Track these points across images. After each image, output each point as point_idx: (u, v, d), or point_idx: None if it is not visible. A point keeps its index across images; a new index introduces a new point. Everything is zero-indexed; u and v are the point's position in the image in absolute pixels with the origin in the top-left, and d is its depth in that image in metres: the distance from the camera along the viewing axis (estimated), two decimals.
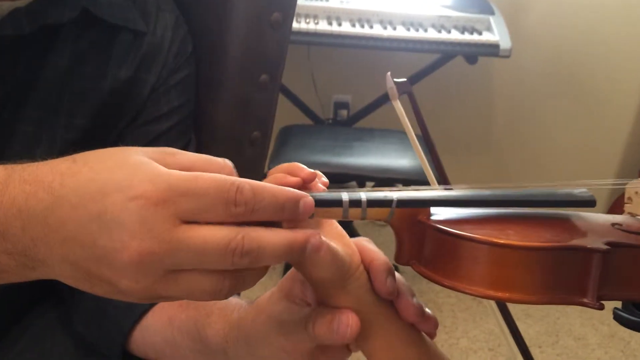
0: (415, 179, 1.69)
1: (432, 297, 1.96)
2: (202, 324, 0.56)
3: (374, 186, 1.87)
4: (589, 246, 0.37)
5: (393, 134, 1.93)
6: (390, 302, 0.46)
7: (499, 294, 0.37)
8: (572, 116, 2.29)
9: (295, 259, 0.40)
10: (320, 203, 0.40)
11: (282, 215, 0.37)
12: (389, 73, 0.52)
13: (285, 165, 0.45)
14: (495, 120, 2.40)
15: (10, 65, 0.60)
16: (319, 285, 0.46)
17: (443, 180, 0.60)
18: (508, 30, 1.89)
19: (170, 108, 0.71)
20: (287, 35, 0.75)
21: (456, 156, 2.32)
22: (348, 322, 0.45)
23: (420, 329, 0.47)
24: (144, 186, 0.34)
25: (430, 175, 0.58)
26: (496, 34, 1.87)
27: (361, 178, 1.75)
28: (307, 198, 0.38)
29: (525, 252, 0.37)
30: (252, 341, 0.51)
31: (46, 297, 0.75)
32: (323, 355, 0.49)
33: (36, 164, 0.38)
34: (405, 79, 0.55)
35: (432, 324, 0.47)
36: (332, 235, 0.45)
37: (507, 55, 1.85)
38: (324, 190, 0.44)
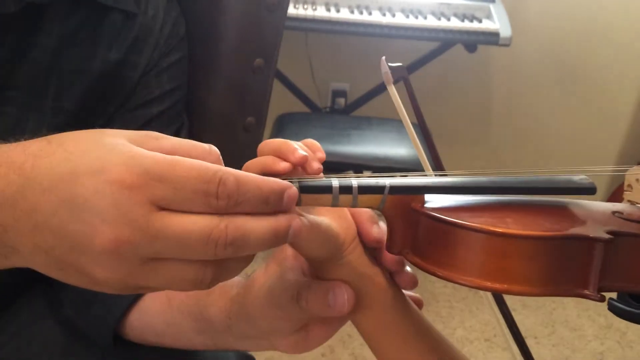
0: (413, 168, 1.67)
1: (428, 287, 1.95)
2: (204, 303, 0.54)
3: (369, 175, 1.86)
4: (591, 235, 0.36)
5: (391, 122, 1.91)
6: (385, 271, 0.46)
7: (497, 286, 0.36)
8: (571, 106, 2.28)
9: (281, 244, 0.38)
10: (308, 189, 0.38)
11: (266, 209, 0.35)
12: (383, 57, 0.51)
13: (276, 143, 0.42)
14: (494, 109, 2.38)
15: None
16: (311, 262, 0.46)
17: (438, 167, 0.58)
18: (508, 19, 1.87)
19: (161, 92, 0.69)
20: (283, 17, 0.74)
21: (453, 146, 2.31)
22: (343, 295, 0.44)
23: (397, 281, 0.47)
24: (117, 169, 0.32)
25: (426, 163, 0.57)
26: (496, 22, 1.85)
27: (358, 167, 1.73)
28: (291, 189, 0.36)
29: (526, 242, 0.35)
30: (251, 315, 0.50)
31: (35, 281, 0.74)
32: (319, 325, 0.48)
33: (8, 145, 0.36)
34: (400, 64, 0.53)
35: (409, 278, 0.47)
36: (327, 209, 0.44)
37: (507, 44, 1.83)
38: (319, 169, 0.42)
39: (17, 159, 0.34)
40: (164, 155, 0.34)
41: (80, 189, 0.32)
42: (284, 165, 0.41)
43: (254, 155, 0.43)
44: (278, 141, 0.42)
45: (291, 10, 1.77)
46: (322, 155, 0.44)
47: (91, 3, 0.62)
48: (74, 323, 0.66)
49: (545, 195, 0.43)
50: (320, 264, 0.46)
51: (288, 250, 0.48)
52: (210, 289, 0.36)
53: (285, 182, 0.36)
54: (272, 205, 0.35)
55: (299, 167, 0.42)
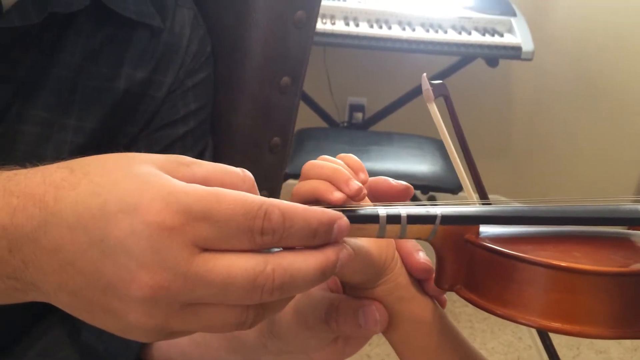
0: (435, 186, 1.64)
1: (449, 306, 1.89)
2: None
3: None
4: None
5: (411, 138, 1.88)
6: (420, 287, 0.44)
7: (566, 327, 0.32)
8: (594, 121, 2.23)
9: (328, 279, 0.35)
10: (353, 219, 0.35)
11: (313, 242, 0.33)
12: (424, 74, 0.48)
13: (328, 169, 0.39)
14: (515, 125, 2.35)
15: (19, 61, 0.56)
16: (346, 285, 0.44)
17: (480, 190, 0.55)
18: (530, 33, 1.84)
19: (187, 112, 0.67)
20: (310, 35, 0.71)
21: (475, 160, 2.27)
22: (375, 315, 0.42)
23: (425, 288, 0.44)
24: (155, 206, 0.29)
25: (467, 185, 0.54)
26: (518, 36, 1.82)
27: None
28: (342, 221, 0.33)
29: (599, 279, 0.32)
30: (282, 335, 0.48)
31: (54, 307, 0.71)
32: (346, 342, 0.47)
33: (25, 171, 0.33)
34: (441, 81, 0.50)
35: (442, 303, 0.46)
36: None
37: (529, 58, 1.80)
38: (364, 195, 0.39)
39: (36, 190, 0.31)
40: (204, 188, 0.31)
41: (113, 229, 0.29)
42: (338, 196, 0.38)
43: (280, 177, 0.41)
44: (329, 167, 0.39)
45: None
46: (365, 177, 0.42)
47: (116, 18, 0.60)
48: (94, 348, 0.63)
49: (608, 227, 0.40)
50: (355, 288, 0.44)
51: None
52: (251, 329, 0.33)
53: (335, 213, 0.33)
54: (319, 238, 0.33)
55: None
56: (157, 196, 0.29)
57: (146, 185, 0.30)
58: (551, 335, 1.87)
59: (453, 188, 1.66)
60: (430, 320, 0.43)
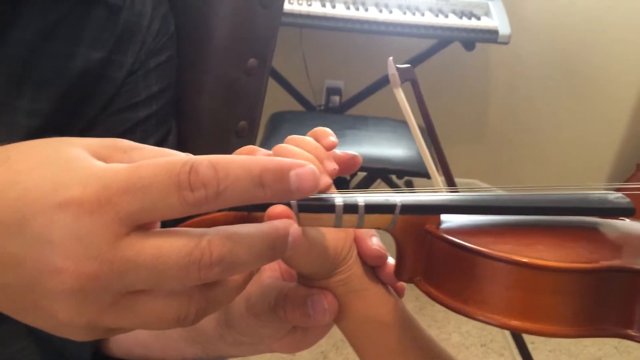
0: (410, 170, 1.63)
1: None
2: None
3: (365, 177, 1.81)
4: (635, 267, 0.31)
5: (387, 122, 1.86)
6: (375, 276, 0.43)
7: (527, 325, 0.31)
8: (570, 104, 2.24)
9: (277, 258, 0.31)
10: (307, 208, 0.33)
11: (264, 194, 0.28)
12: (390, 58, 0.46)
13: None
14: (491, 109, 2.35)
15: None
16: (302, 274, 0.42)
17: (447, 176, 0.54)
18: (507, 17, 1.83)
19: (148, 94, 0.64)
20: (278, 14, 0.69)
21: (450, 145, 2.27)
22: (323, 304, 0.40)
23: (379, 275, 0.43)
24: (72, 190, 0.26)
25: (433, 169, 0.52)
26: (495, 19, 1.81)
27: None
28: (305, 169, 0.29)
29: (562, 275, 0.30)
30: (232, 324, 0.46)
31: None
32: (305, 332, 0.45)
33: None
34: (409, 65, 0.48)
35: (400, 291, 0.44)
36: None
37: (505, 41, 1.79)
38: (334, 171, 0.37)
39: None
40: (125, 164, 0.28)
41: (32, 220, 0.26)
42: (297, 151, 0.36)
43: None
44: (302, 155, 0.37)
45: (285, 6, 1.72)
46: (333, 140, 0.39)
47: None
48: (50, 340, 0.61)
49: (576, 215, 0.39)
50: (308, 278, 0.42)
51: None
52: (195, 324, 0.31)
53: (291, 161, 0.29)
54: (271, 189, 0.28)
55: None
56: (74, 180, 0.27)
57: (66, 169, 0.27)
58: None
59: (429, 173, 1.65)
60: (383, 311, 0.42)
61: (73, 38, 0.59)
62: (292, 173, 0.28)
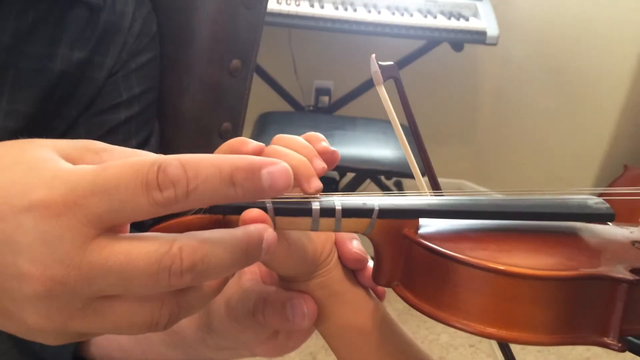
0: (399, 171, 1.63)
1: None
2: None
3: (354, 178, 1.81)
4: (613, 275, 0.31)
5: (376, 123, 1.86)
6: (355, 280, 0.42)
7: (502, 333, 0.30)
8: (557, 106, 2.25)
9: (252, 264, 0.30)
10: (283, 212, 0.33)
11: (235, 193, 0.27)
12: (373, 55, 0.46)
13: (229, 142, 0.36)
14: (480, 110, 2.35)
15: None
16: (282, 276, 0.41)
17: (430, 175, 0.53)
18: (495, 18, 1.83)
19: (130, 95, 0.63)
20: (261, 15, 0.68)
21: (438, 146, 2.27)
22: (302, 308, 0.40)
23: (359, 279, 0.42)
24: (38, 193, 0.26)
25: (416, 169, 0.52)
26: (483, 20, 1.81)
27: (342, 169, 1.68)
28: (277, 167, 0.28)
29: (538, 283, 0.30)
30: (214, 328, 0.45)
31: None
32: (288, 336, 0.44)
33: None
34: (391, 63, 0.48)
35: (380, 295, 0.44)
36: None
37: (494, 42, 1.79)
38: (323, 170, 0.37)
39: None
40: (92, 166, 0.27)
41: None
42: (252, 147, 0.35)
43: None
44: (295, 158, 0.36)
45: (274, 6, 1.72)
46: (325, 145, 0.39)
47: None
48: (30, 344, 0.60)
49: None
50: (287, 281, 0.42)
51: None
52: (167, 330, 0.31)
53: (262, 159, 0.28)
54: (242, 188, 0.27)
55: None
56: (40, 182, 0.26)
57: (32, 172, 0.27)
58: None
59: (425, 174, 1.65)
60: (363, 315, 0.41)
61: (52, 39, 0.58)
62: (264, 171, 0.28)
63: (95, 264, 0.26)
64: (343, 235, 0.42)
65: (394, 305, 1.80)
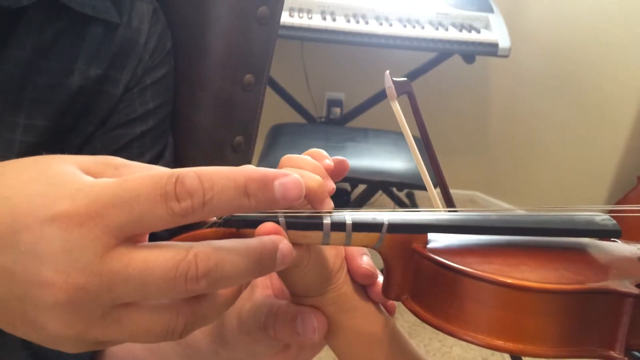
0: (409, 183, 1.63)
1: None
2: None
3: (366, 189, 1.81)
4: (619, 289, 0.31)
5: (387, 134, 1.87)
6: (365, 295, 0.43)
7: (509, 346, 0.31)
8: (570, 118, 2.24)
9: (266, 273, 0.31)
10: (295, 226, 0.34)
11: (249, 204, 0.29)
12: (387, 71, 0.47)
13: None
14: (492, 121, 2.35)
15: None
16: (295, 290, 0.42)
17: (443, 188, 0.54)
18: (507, 30, 1.84)
19: (145, 110, 0.65)
20: (274, 31, 0.69)
21: (450, 157, 2.27)
22: (313, 323, 0.41)
23: (369, 294, 0.43)
24: (62, 204, 0.27)
25: (428, 182, 0.53)
26: (495, 32, 1.82)
27: (354, 180, 1.69)
28: (288, 178, 0.29)
29: (546, 296, 0.31)
30: (226, 341, 0.46)
31: None
32: (299, 350, 0.45)
33: None
34: (405, 78, 0.49)
35: (390, 309, 0.44)
36: None
37: (505, 54, 1.80)
38: (332, 190, 0.38)
39: None
40: (112, 179, 0.29)
41: (24, 235, 0.27)
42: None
43: None
44: (312, 179, 0.37)
45: (286, 19, 1.74)
46: (329, 162, 0.40)
47: (69, 12, 0.58)
48: (46, 354, 0.61)
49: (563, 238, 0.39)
50: (298, 296, 0.42)
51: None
52: (182, 339, 0.31)
53: (274, 170, 0.30)
54: (255, 199, 0.29)
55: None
56: (64, 194, 0.28)
57: (55, 185, 0.28)
58: None
59: (437, 186, 1.66)
60: (373, 330, 0.42)
61: (70, 55, 0.59)
62: (277, 182, 0.29)
63: (115, 272, 0.27)
64: (353, 250, 0.43)
65: (406, 317, 1.80)
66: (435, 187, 0.51)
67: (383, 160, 1.73)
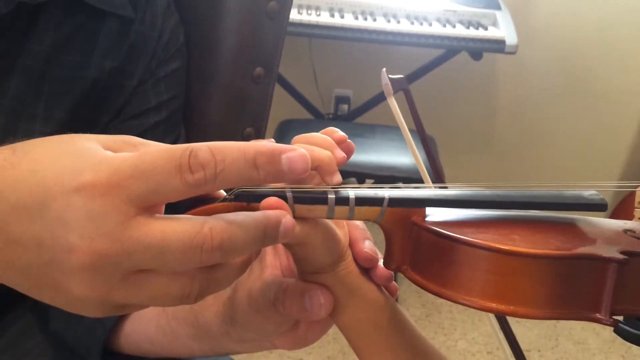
0: (417, 178, 1.65)
1: (430, 298, 1.93)
2: (198, 308, 0.52)
3: (373, 184, 1.84)
4: (604, 255, 0.34)
5: (394, 130, 1.89)
6: (368, 276, 0.45)
7: (502, 307, 0.34)
8: (577, 114, 2.25)
9: (271, 244, 0.34)
10: (302, 200, 0.37)
11: (258, 175, 0.31)
12: (384, 69, 0.49)
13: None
14: (499, 118, 2.36)
15: None
16: (306, 268, 0.44)
17: (438, 180, 0.57)
18: (514, 27, 1.85)
19: (158, 102, 0.67)
20: (284, 25, 0.72)
21: (458, 155, 2.29)
22: (320, 299, 0.43)
23: (371, 276, 0.45)
24: (86, 176, 0.30)
25: (425, 173, 0.55)
26: (502, 29, 1.83)
27: (361, 175, 1.71)
28: (294, 153, 0.32)
29: (534, 261, 0.33)
30: (236, 320, 0.48)
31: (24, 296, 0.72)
32: (308, 328, 0.47)
33: None
34: (401, 76, 0.51)
35: (392, 290, 0.46)
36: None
37: (513, 51, 1.81)
38: (343, 159, 0.40)
39: None
40: (132, 153, 0.31)
41: (51, 204, 0.30)
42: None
43: None
44: (323, 153, 0.39)
45: (295, 16, 1.76)
46: (340, 134, 0.42)
47: (87, 8, 0.60)
48: (62, 337, 0.64)
49: (554, 211, 0.41)
50: (307, 273, 0.44)
51: (267, 248, 0.46)
52: (197, 303, 0.34)
53: (282, 145, 0.32)
54: (264, 170, 0.31)
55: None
56: (87, 166, 0.30)
57: (81, 158, 0.31)
58: (530, 326, 1.89)
59: (435, 180, 1.68)
60: (376, 308, 0.44)
61: (87, 49, 0.62)
62: (284, 156, 0.32)
63: (135, 239, 0.30)
64: (357, 235, 0.45)
65: (412, 312, 1.82)
66: (433, 182, 0.54)
67: (390, 155, 1.75)
